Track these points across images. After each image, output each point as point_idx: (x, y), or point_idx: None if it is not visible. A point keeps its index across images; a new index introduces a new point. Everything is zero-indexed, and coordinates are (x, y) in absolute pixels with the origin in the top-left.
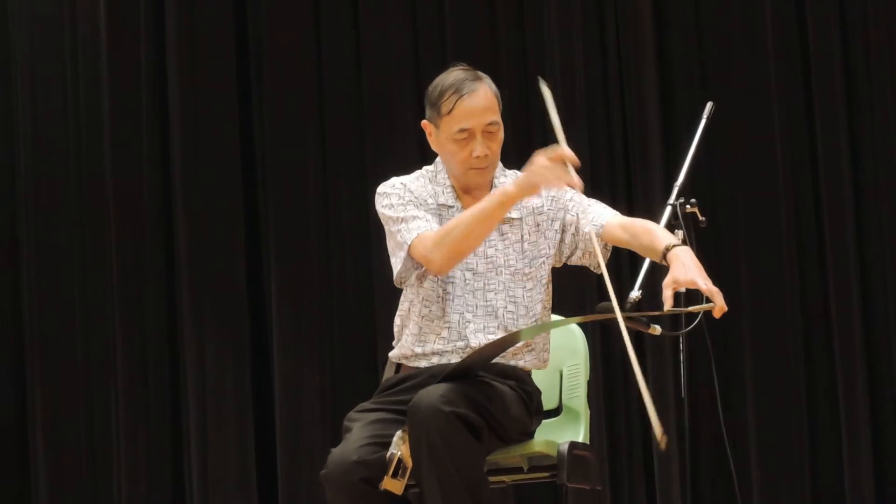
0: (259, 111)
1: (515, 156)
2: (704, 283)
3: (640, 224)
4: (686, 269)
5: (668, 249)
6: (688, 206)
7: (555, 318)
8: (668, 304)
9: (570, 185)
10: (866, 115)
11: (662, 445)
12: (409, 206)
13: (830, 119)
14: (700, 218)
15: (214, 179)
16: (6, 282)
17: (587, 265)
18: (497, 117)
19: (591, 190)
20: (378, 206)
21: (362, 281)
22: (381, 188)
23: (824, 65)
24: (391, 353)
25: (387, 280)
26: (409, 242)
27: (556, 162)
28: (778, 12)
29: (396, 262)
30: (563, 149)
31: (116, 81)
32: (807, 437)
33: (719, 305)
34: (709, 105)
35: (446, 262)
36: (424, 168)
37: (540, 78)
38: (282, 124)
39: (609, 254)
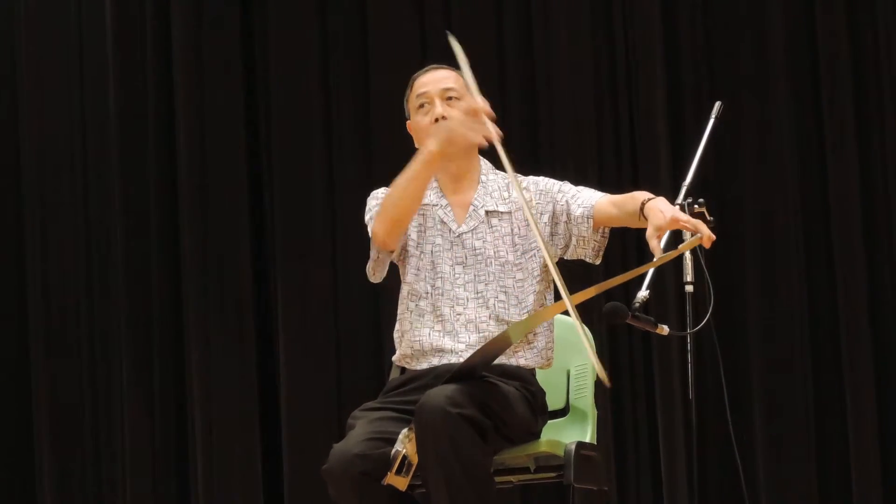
0: (266, 113)
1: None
2: (686, 219)
3: (627, 194)
4: (664, 214)
5: (643, 206)
6: (696, 206)
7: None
8: (656, 253)
9: (486, 137)
10: (875, 114)
11: (608, 383)
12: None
13: (839, 118)
14: (708, 218)
15: (221, 181)
16: (12, 279)
17: (583, 256)
18: (457, 88)
19: (599, 188)
20: (365, 218)
21: (368, 281)
22: (369, 199)
23: (833, 63)
24: (394, 357)
25: (392, 281)
26: (370, 227)
27: (471, 115)
28: (786, 12)
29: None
30: (478, 101)
31: (123, 86)
32: (814, 438)
33: (706, 235)
34: (717, 104)
35: (386, 230)
36: None
37: (448, 32)
38: (288, 126)
39: (606, 241)
